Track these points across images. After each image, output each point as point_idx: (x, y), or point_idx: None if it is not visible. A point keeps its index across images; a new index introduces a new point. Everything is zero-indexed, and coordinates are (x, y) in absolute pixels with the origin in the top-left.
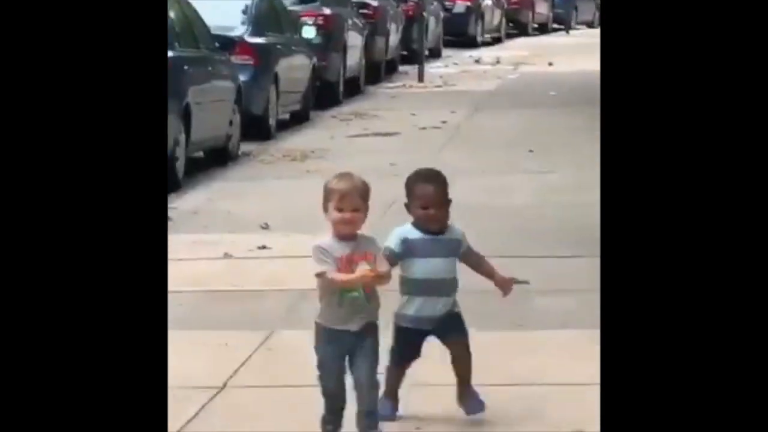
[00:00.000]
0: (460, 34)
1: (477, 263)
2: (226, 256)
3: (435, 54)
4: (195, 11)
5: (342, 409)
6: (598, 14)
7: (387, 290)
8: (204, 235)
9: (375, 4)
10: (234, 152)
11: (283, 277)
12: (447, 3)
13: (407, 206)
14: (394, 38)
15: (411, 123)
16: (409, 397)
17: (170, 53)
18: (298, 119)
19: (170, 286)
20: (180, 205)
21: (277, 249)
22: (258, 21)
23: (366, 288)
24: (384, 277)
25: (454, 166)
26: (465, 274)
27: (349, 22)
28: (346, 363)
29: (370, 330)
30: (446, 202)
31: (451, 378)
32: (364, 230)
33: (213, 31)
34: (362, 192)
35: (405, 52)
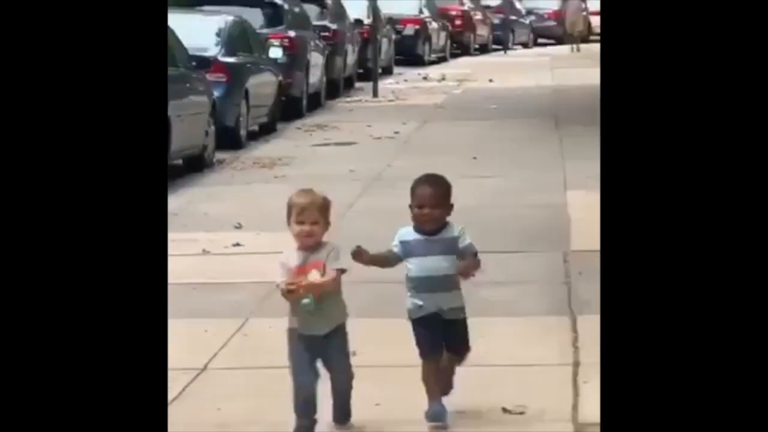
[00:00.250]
0: (409, 54)
1: (465, 257)
2: (204, 252)
3: (387, 72)
4: (174, 34)
5: (313, 412)
6: (532, 36)
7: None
8: (184, 234)
9: (334, 27)
10: (209, 160)
11: (255, 271)
12: (398, 26)
13: (410, 207)
14: (351, 58)
15: (367, 133)
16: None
17: None
18: (266, 130)
19: None
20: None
21: (250, 246)
22: (230, 42)
23: (315, 296)
24: (327, 284)
25: (406, 172)
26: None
27: (312, 43)
28: (319, 366)
29: (338, 332)
30: (442, 204)
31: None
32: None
33: (190, 52)
34: (321, 206)
35: (361, 70)
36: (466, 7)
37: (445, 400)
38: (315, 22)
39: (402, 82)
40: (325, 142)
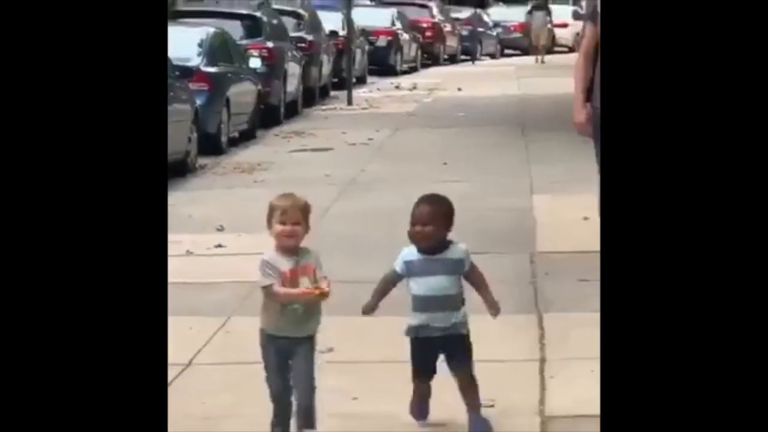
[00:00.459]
0: (382, 64)
1: (476, 284)
2: (188, 253)
3: (361, 81)
4: None
5: (289, 412)
6: (499, 47)
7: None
8: (169, 236)
9: (310, 38)
10: (192, 165)
11: (237, 271)
12: (371, 38)
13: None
14: (326, 67)
15: (342, 140)
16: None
17: None
18: (246, 137)
19: None
20: None
21: (231, 247)
22: (212, 53)
23: (312, 303)
24: (324, 295)
25: (379, 177)
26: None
27: (289, 54)
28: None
29: (309, 340)
30: (435, 222)
31: None
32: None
33: (174, 62)
34: (302, 208)
35: (336, 80)
36: (436, 20)
37: (408, 395)
38: (292, 34)
39: (375, 91)
40: (302, 148)
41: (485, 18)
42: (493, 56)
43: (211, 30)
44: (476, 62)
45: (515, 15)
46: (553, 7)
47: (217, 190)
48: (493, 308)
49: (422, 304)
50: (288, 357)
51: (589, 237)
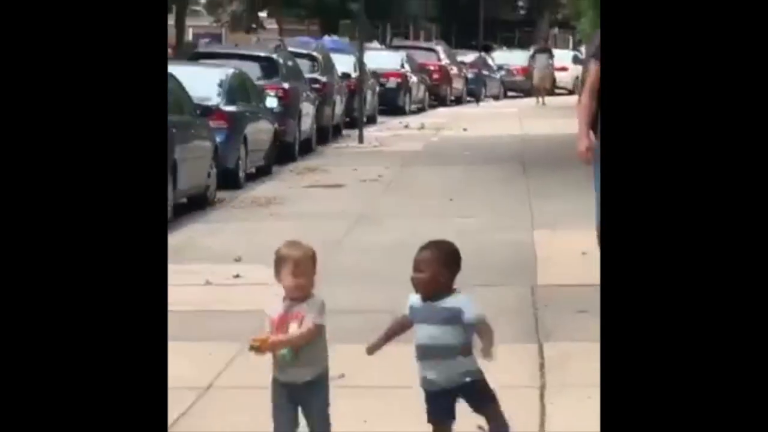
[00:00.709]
0: (392, 105)
1: (480, 334)
2: (207, 283)
3: (372, 120)
4: (179, 83)
5: None
6: (502, 89)
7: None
8: (188, 266)
9: (324, 79)
10: (211, 199)
11: (253, 300)
12: (381, 79)
13: None
14: (339, 107)
15: (353, 176)
16: None
17: None
18: (263, 172)
19: None
20: (168, 242)
21: (248, 277)
22: (231, 92)
23: (294, 348)
24: (296, 341)
25: (389, 212)
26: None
27: (304, 94)
28: (299, 413)
29: (320, 381)
30: (433, 268)
31: None
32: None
33: (194, 101)
34: (313, 258)
35: (348, 119)
36: (443, 63)
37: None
38: (307, 75)
39: (385, 130)
40: (316, 184)
41: (489, 61)
42: (496, 98)
43: (230, 71)
44: (481, 103)
45: (518, 59)
46: (554, 51)
47: (235, 223)
48: (486, 355)
49: (419, 352)
50: (297, 403)
51: (587, 271)
